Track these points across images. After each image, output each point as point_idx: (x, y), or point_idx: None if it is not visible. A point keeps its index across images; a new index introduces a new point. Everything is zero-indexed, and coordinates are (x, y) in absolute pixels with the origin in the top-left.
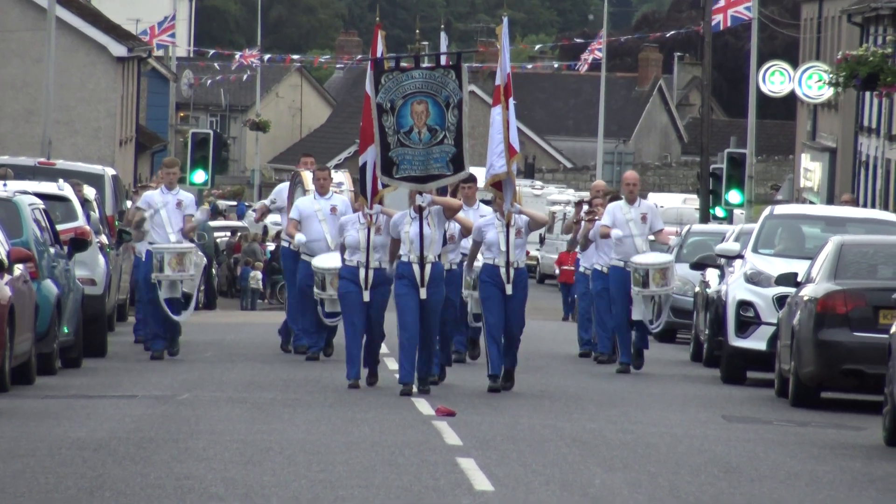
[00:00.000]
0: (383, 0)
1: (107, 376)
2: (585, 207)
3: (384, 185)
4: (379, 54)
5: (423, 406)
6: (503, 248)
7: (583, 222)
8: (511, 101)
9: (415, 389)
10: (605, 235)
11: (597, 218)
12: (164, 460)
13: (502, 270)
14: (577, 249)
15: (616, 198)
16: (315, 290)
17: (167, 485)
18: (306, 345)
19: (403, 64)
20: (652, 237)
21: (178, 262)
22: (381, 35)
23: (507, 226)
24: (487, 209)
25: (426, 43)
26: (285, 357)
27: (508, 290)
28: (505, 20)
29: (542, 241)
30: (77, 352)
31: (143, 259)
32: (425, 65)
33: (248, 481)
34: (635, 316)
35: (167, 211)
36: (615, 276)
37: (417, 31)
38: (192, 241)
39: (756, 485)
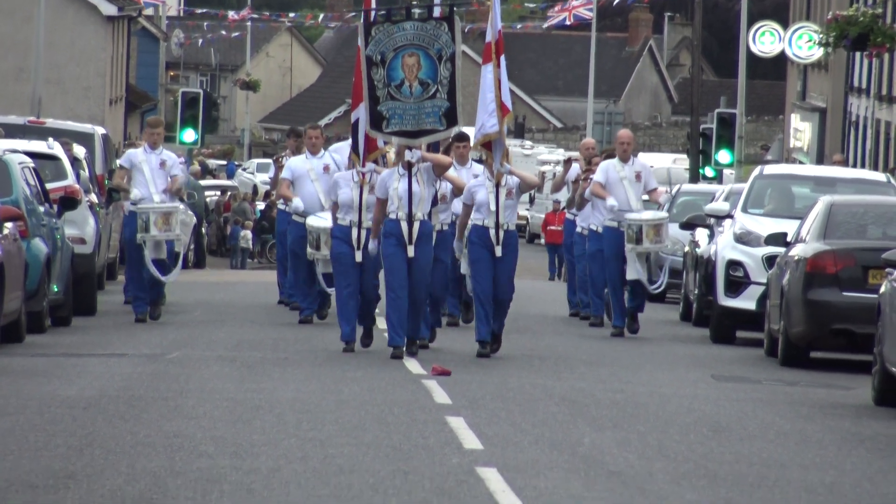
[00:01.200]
0: None
1: (96, 335)
2: (575, 166)
3: (383, 142)
4: (373, 5)
5: (414, 365)
6: (493, 208)
7: (580, 182)
8: (502, 60)
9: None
10: (598, 194)
11: (591, 177)
12: (153, 418)
13: (492, 232)
14: (573, 210)
15: (610, 155)
16: (308, 249)
17: (157, 443)
18: (300, 305)
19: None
20: (646, 196)
21: (164, 221)
22: None
23: (497, 186)
24: (480, 168)
25: None
26: (275, 316)
27: (498, 251)
28: None
29: (531, 200)
30: (67, 310)
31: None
32: (417, 17)
33: (237, 440)
34: (629, 276)
35: (150, 170)
36: (609, 236)
37: None
38: (182, 200)
39: (745, 444)
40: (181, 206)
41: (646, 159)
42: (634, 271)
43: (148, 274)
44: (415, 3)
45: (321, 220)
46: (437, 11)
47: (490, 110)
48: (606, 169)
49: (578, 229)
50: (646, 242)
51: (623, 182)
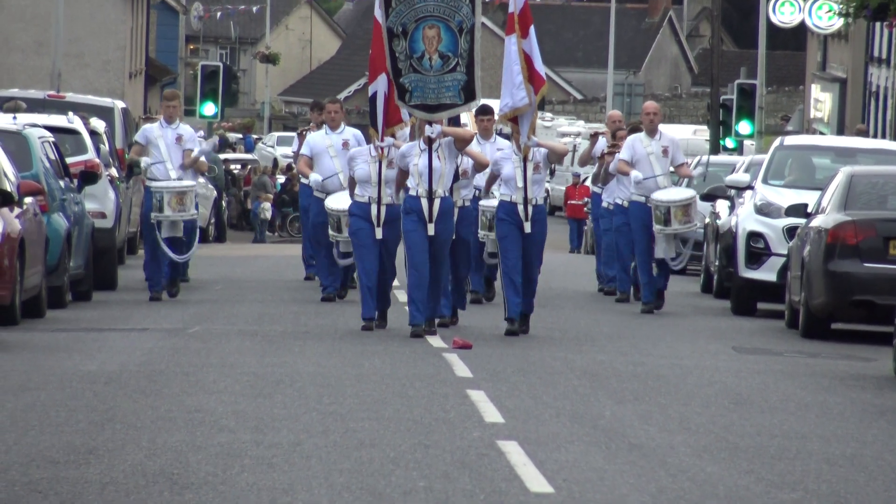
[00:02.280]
0: None
1: (117, 309)
2: (602, 140)
3: (397, 117)
4: None
5: (435, 339)
6: (520, 184)
7: (605, 156)
8: (532, 30)
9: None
10: (622, 171)
11: (618, 152)
12: (174, 393)
13: (520, 208)
14: (599, 183)
15: (636, 129)
16: (330, 231)
17: (178, 417)
18: (322, 283)
19: None
20: (672, 169)
21: (179, 201)
22: None
23: (525, 160)
24: (505, 142)
25: None
26: (296, 291)
27: (527, 227)
28: None
29: (552, 173)
30: (87, 285)
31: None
32: None
33: (258, 414)
34: (658, 254)
35: (166, 145)
36: (635, 211)
37: None
38: (202, 174)
39: (766, 416)
40: (200, 181)
41: (665, 130)
42: (662, 250)
43: (162, 253)
44: None
45: (340, 202)
46: None
47: (518, 83)
48: (632, 144)
49: (604, 203)
50: (674, 223)
51: (650, 157)
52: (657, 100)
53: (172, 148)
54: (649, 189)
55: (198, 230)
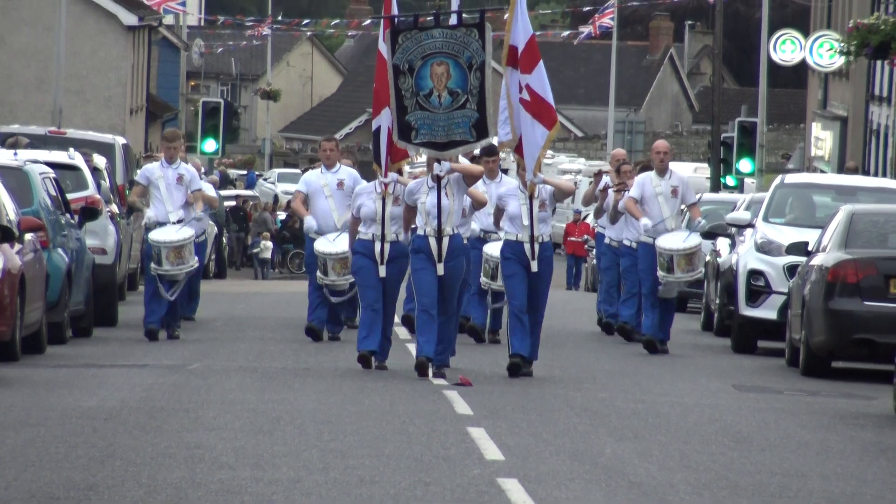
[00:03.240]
0: None
1: (117, 346)
2: (605, 178)
3: (402, 153)
4: (394, 11)
5: (435, 379)
6: (526, 221)
7: (611, 192)
8: (540, 65)
9: (430, 371)
10: (631, 211)
11: (626, 190)
12: (174, 429)
13: (526, 247)
14: (602, 221)
15: (646, 167)
16: (318, 273)
17: (177, 454)
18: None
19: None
20: (683, 208)
21: (177, 255)
22: None
23: (531, 198)
24: (511, 181)
25: (445, 0)
26: (296, 328)
27: (534, 266)
28: None
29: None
30: (88, 321)
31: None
32: (447, 24)
33: (258, 451)
34: (662, 294)
35: (166, 185)
36: (644, 252)
37: None
38: (206, 209)
39: (766, 454)
40: (192, 237)
41: (676, 169)
42: (667, 291)
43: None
44: (441, 8)
45: (329, 245)
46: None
47: (504, 118)
48: (642, 183)
49: (607, 240)
50: (677, 272)
51: (658, 198)
52: (658, 137)
53: (173, 188)
54: (657, 231)
55: (181, 281)
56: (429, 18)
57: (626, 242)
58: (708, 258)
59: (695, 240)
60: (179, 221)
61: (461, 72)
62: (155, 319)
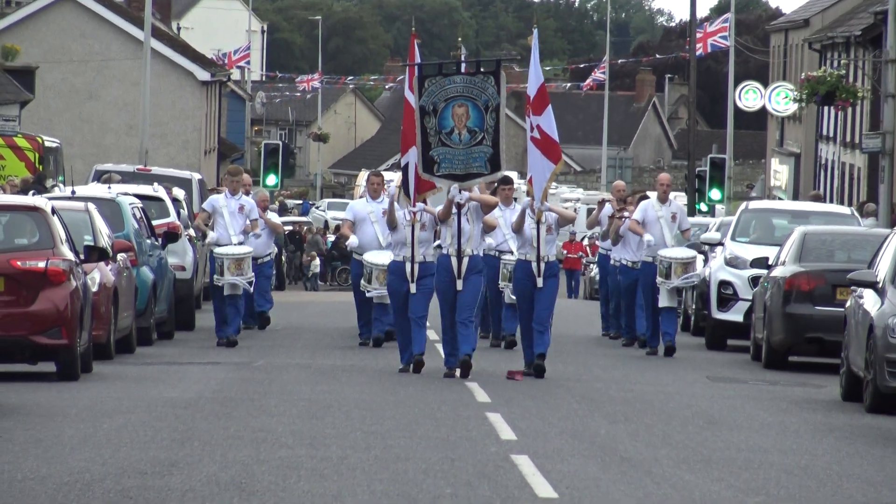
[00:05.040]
0: (420, 28)
1: (195, 346)
2: (607, 206)
3: (428, 185)
4: (417, 60)
5: (458, 373)
6: (535, 244)
7: (614, 218)
8: (549, 108)
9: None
10: (634, 230)
11: (626, 215)
12: (242, 416)
13: (534, 265)
14: (606, 242)
15: (644, 196)
16: (362, 282)
17: (245, 436)
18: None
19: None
20: (679, 232)
21: (237, 266)
22: (417, 43)
23: (538, 222)
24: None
25: (465, 52)
26: (344, 332)
27: (539, 282)
28: (535, 31)
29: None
30: (170, 326)
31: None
32: (466, 71)
33: (312, 433)
34: (661, 303)
35: (229, 214)
36: (646, 269)
37: (460, 38)
38: (271, 234)
39: (734, 433)
40: (252, 251)
41: (674, 199)
42: (665, 300)
43: (224, 307)
44: (463, 60)
45: (378, 257)
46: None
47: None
48: (645, 208)
49: (612, 262)
50: (674, 278)
51: (660, 221)
52: (643, 171)
53: (235, 216)
54: (658, 248)
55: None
56: (451, 65)
57: (625, 262)
58: None
59: (692, 252)
60: (240, 244)
61: (479, 113)
62: (223, 334)
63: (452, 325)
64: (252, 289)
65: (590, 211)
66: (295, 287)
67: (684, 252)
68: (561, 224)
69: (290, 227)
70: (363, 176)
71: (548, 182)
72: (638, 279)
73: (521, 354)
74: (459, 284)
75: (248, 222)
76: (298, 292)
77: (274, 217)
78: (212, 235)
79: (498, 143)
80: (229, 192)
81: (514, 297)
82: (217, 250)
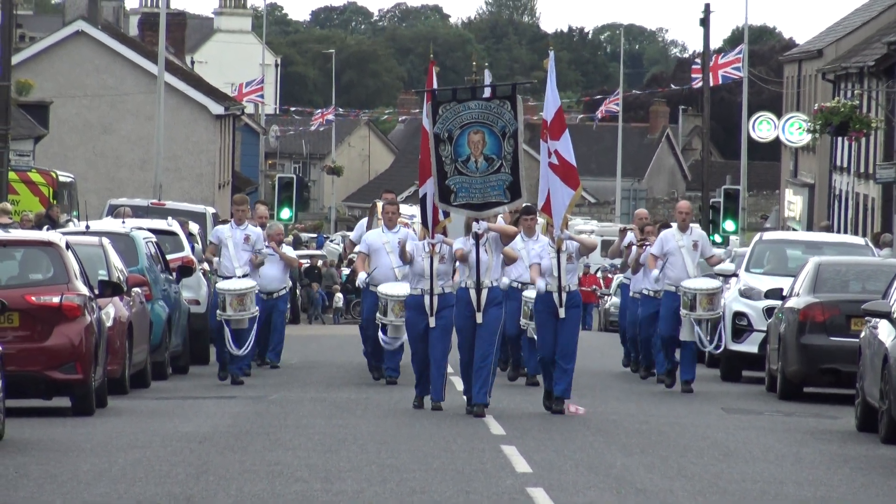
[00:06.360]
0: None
1: (210, 380)
2: (629, 234)
3: (445, 214)
4: (434, 87)
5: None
6: (555, 273)
7: (634, 248)
8: (566, 133)
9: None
10: (651, 265)
11: (648, 244)
12: (257, 450)
13: (555, 296)
14: (626, 272)
15: (666, 225)
16: (378, 314)
17: (260, 470)
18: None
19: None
20: (703, 259)
21: (240, 302)
22: (435, 71)
23: (559, 251)
24: (545, 239)
25: (480, 77)
26: (358, 366)
27: (561, 313)
28: (551, 54)
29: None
30: (185, 360)
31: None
32: (482, 96)
33: (327, 466)
34: (683, 336)
35: (234, 244)
36: (667, 299)
37: (474, 62)
38: (285, 268)
39: (749, 465)
40: (255, 286)
41: (696, 227)
42: (688, 333)
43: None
44: (477, 83)
45: (394, 288)
46: (498, 90)
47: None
48: (665, 239)
49: (631, 294)
50: (699, 310)
51: (681, 250)
52: (657, 203)
53: (240, 247)
54: (679, 278)
55: (252, 335)
56: (466, 91)
57: (645, 291)
58: None
59: (716, 282)
60: (245, 276)
61: (496, 139)
62: (223, 375)
63: (470, 362)
64: (255, 325)
65: (604, 243)
66: (306, 320)
67: (708, 283)
68: (582, 252)
69: (307, 262)
70: (380, 206)
71: (567, 209)
72: (658, 310)
73: (541, 390)
74: (479, 318)
75: (253, 254)
76: (314, 325)
77: (289, 251)
78: (215, 262)
79: (517, 169)
80: (235, 222)
81: (535, 335)
82: (219, 285)
